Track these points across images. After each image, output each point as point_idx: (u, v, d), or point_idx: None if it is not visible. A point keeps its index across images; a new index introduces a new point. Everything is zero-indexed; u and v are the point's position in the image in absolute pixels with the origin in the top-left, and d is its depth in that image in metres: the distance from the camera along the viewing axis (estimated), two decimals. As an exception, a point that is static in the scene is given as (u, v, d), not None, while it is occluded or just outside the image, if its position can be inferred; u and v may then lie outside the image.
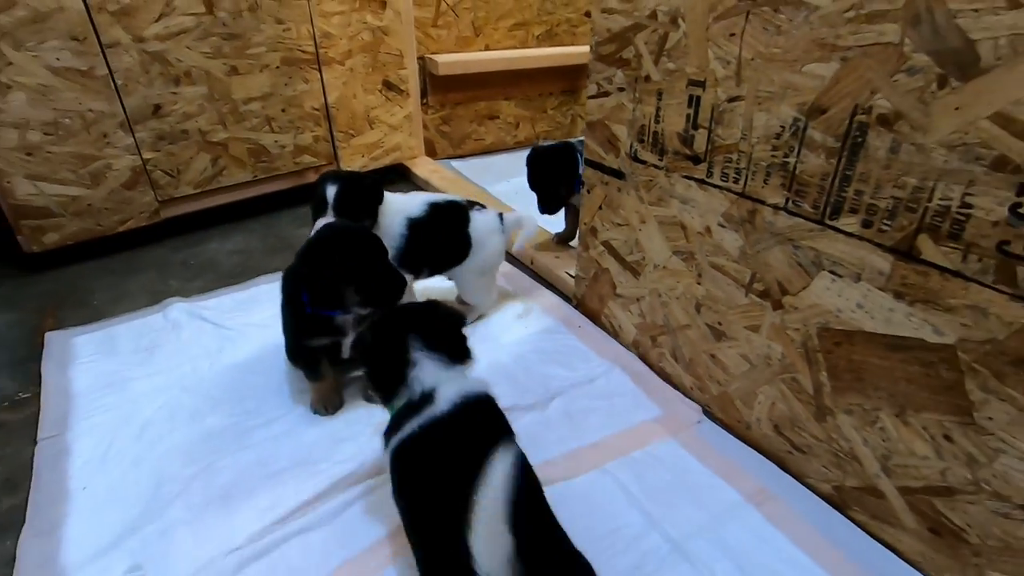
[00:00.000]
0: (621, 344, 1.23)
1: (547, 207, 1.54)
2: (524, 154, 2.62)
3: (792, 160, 0.78)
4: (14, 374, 1.19)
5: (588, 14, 2.61)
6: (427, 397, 0.72)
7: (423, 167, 2.27)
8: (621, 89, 1.04)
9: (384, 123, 2.11)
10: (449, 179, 2.19)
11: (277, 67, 1.78)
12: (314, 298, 0.95)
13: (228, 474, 0.93)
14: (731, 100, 0.84)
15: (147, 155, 1.64)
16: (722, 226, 0.91)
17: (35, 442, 1.01)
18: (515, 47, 2.51)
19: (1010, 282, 0.60)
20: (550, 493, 0.71)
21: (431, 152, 2.44)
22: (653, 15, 0.93)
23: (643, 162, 1.04)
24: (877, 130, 0.67)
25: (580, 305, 1.37)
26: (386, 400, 0.78)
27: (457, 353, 0.77)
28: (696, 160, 0.93)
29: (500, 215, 1.28)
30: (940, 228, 0.64)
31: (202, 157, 1.74)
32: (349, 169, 2.03)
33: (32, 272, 1.57)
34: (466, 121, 2.52)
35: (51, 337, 1.28)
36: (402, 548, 0.79)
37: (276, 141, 1.86)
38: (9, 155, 1.44)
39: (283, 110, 1.84)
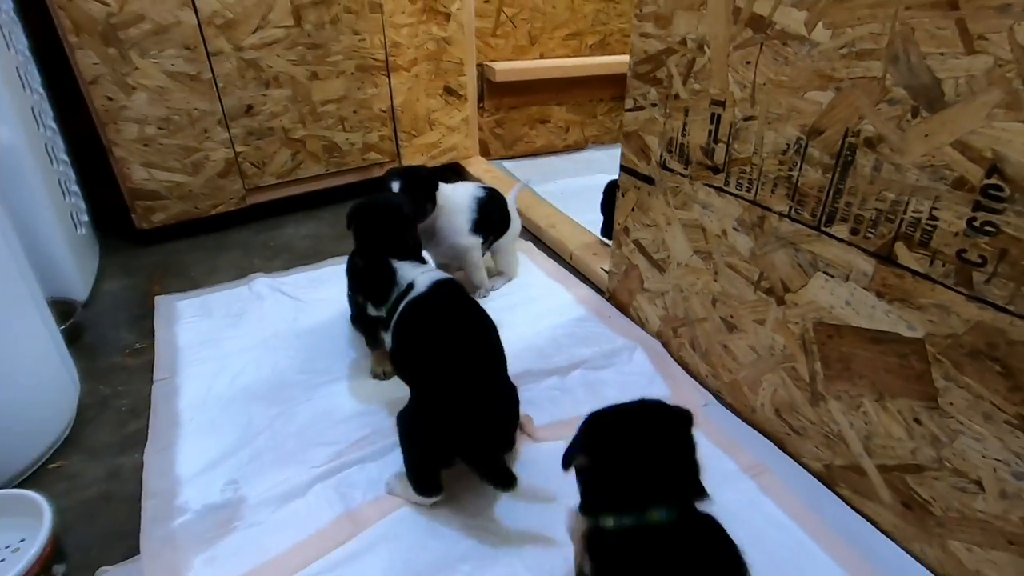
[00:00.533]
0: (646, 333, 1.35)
1: (609, 233, 1.69)
2: (572, 157, 2.77)
3: (795, 174, 0.89)
4: (131, 328, 1.44)
5: (641, 24, 2.72)
6: (410, 286, 1.03)
7: (477, 166, 2.44)
8: (654, 105, 1.17)
9: (443, 125, 2.29)
10: (499, 178, 2.35)
11: (352, 73, 1.99)
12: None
13: (302, 417, 1.12)
14: (746, 119, 0.96)
15: (239, 148, 1.88)
16: (736, 229, 1.03)
17: (151, 382, 1.23)
18: (569, 55, 2.64)
19: (967, 284, 0.70)
20: (562, 446, 0.86)
21: (485, 152, 2.62)
22: (683, 41, 1.05)
23: (671, 170, 1.16)
24: (863, 150, 0.78)
25: (612, 298, 1.50)
26: (378, 303, 1.06)
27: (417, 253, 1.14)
28: (715, 170, 1.05)
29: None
30: (913, 237, 0.75)
31: (283, 152, 1.98)
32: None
33: (142, 246, 1.84)
34: (519, 124, 2.68)
35: (159, 300, 1.53)
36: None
37: (347, 139, 2.08)
38: (130, 145, 1.70)
39: (354, 111, 2.05)
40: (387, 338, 1.07)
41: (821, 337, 0.91)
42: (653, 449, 0.66)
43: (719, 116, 1.01)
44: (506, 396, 0.96)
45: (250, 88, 1.83)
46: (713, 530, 0.64)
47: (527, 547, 0.87)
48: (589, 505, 0.66)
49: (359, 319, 1.26)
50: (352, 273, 1.14)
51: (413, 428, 0.90)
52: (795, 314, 0.95)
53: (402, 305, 1.02)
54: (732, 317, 1.09)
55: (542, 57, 2.60)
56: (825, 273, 0.88)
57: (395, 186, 1.32)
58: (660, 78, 1.13)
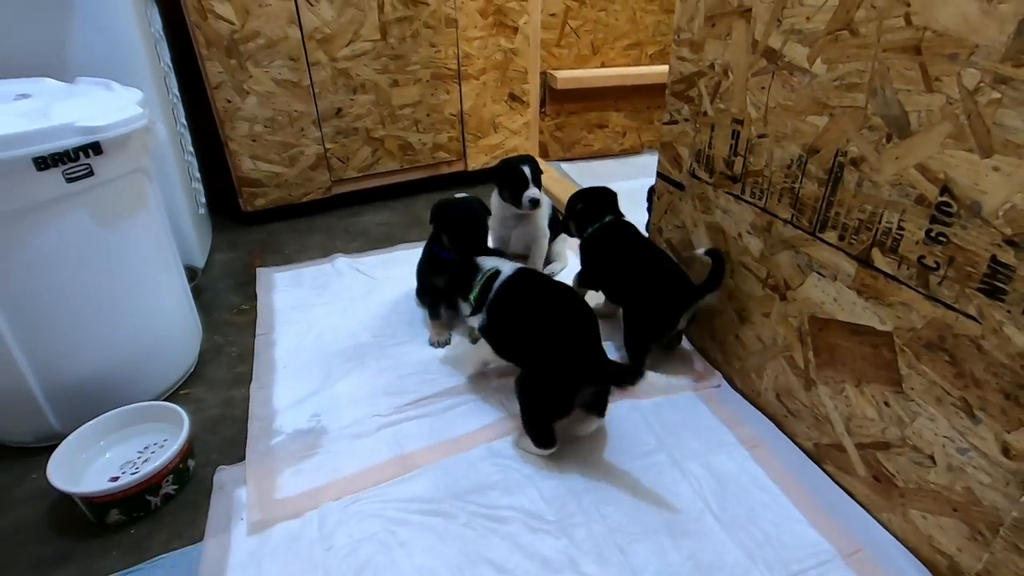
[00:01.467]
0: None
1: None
2: (628, 160, 2.92)
3: (797, 186, 1.03)
4: (238, 292, 1.74)
5: (701, 35, 2.81)
6: (496, 273, 1.22)
7: (535, 167, 2.63)
8: (686, 120, 1.32)
9: (506, 128, 2.50)
10: (555, 179, 2.53)
11: (427, 81, 2.24)
12: (435, 240, 1.42)
13: (372, 370, 1.36)
14: (759, 136, 1.10)
15: (328, 145, 2.17)
16: (749, 233, 1.17)
17: (254, 336, 1.52)
18: (629, 64, 2.78)
19: (925, 285, 0.82)
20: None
21: (544, 154, 2.81)
22: (712, 66, 1.20)
23: (698, 178, 1.31)
24: (849, 168, 0.91)
25: (645, 291, 1.65)
26: (466, 295, 1.25)
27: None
28: (734, 180, 1.19)
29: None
30: (885, 244, 0.87)
31: (365, 149, 2.25)
32: (475, 166, 2.47)
33: (246, 226, 2.17)
34: (578, 128, 2.85)
35: (260, 272, 1.83)
36: (487, 438, 1.16)
37: (420, 139, 2.33)
38: (241, 140, 2.02)
39: (428, 115, 2.30)
40: (476, 321, 1.24)
41: (813, 329, 1.04)
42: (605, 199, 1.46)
43: (738, 133, 1.15)
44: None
45: (340, 93, 2.11)
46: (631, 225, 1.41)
47: (546, 481, 1.06)
48: (580, 225, 1.49)
49: (423, 289, 1.51)
50: (446, 274, 1.38)
51: (531, 390, 1.08)
52: (794, 309, 1.08)
53: (493, 291, 1.19)
54: (743, 311, 1.23)
55: (603, 66, 2.75)
56: (818, 273, 1.01)
57: (526, 170, 1.59)
58: (692, 96, 1.28)
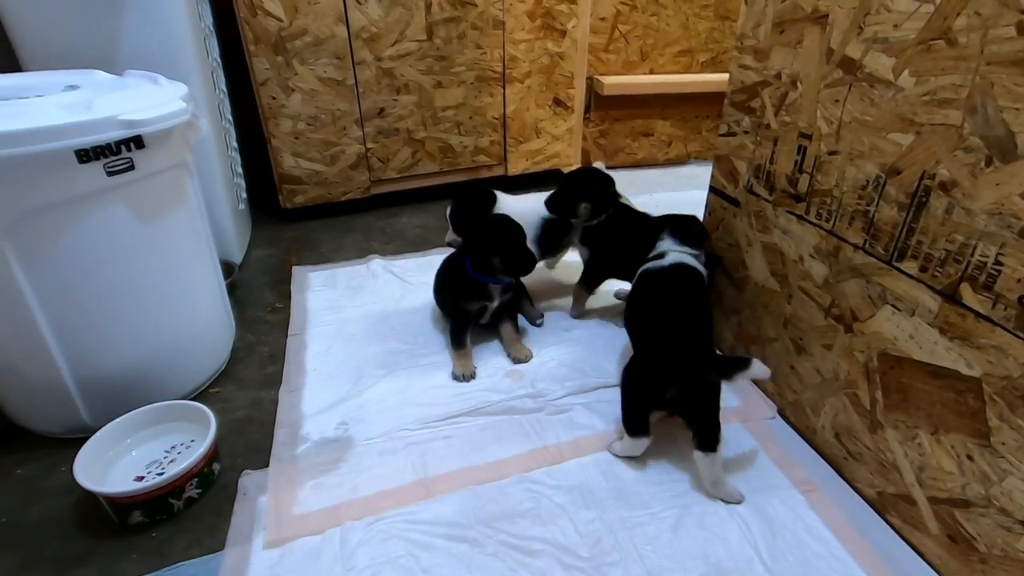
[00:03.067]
0: (718, 349, 1.42)
1: None
2: (673, 171, 2.82)
3: (872, 209, 0.94)
4: (273, 290, 1.73)
5: (757, 43, 2.70)
6: (661, 255, 1.26)
7: (576, 174, 2.57)
8: (746, 132, 1.23)
9: (548, 133, 2.44)
10: (597, 187, 2.46)
11: (471, 83, 2.20)
12: (475, 265, 1.31)
13: (402, 381, 1.32)
14: (830, 153, 1.01)
15: (369, 145, 2.16)
16: (812, 256, 1.08)
17: (286, 336, 1.50)
18: (679, 72, 2.69)
19: (1025, 330, 0.73)
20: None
21: (586, 161, 2.74)
22: (778, 75, 1.12)
23: (756, 195, 1.22)
24: (937, 193, 0.82)
25: (689, 310, 1.57)
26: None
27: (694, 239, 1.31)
28: (798, 199, 1.10)
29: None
30: (978, 279, 0.78)
31: (405, 150, 2.23)
32: (515, 171, 2.42)
33: (284, 222, 2.17)
34: (622, 136, 2.77)
35: (296, 270, 1.82)
36: (519, 469, 1.09)
37: (461, 142, 2.29)
38: (284, 137, 2.02)
39: (470, 117, 2.26)
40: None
41: (883, 367, 0.95)
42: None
43: (805, 148, 1.07)
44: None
45: (384, 93, 2.09)
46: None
47: (580, 512, 0.99)
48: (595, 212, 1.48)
49: (451, 316, 1.43)
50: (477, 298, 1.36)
51: (631, 376, 1.09)
52: (861, 342, 0.99)
53: (651, 265, 1.26)
54: (801, 340, 1.14)
55: (651, 73, 2.67)
56: (892, 306, 0.92)
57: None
58: (754, 108, 1.20)
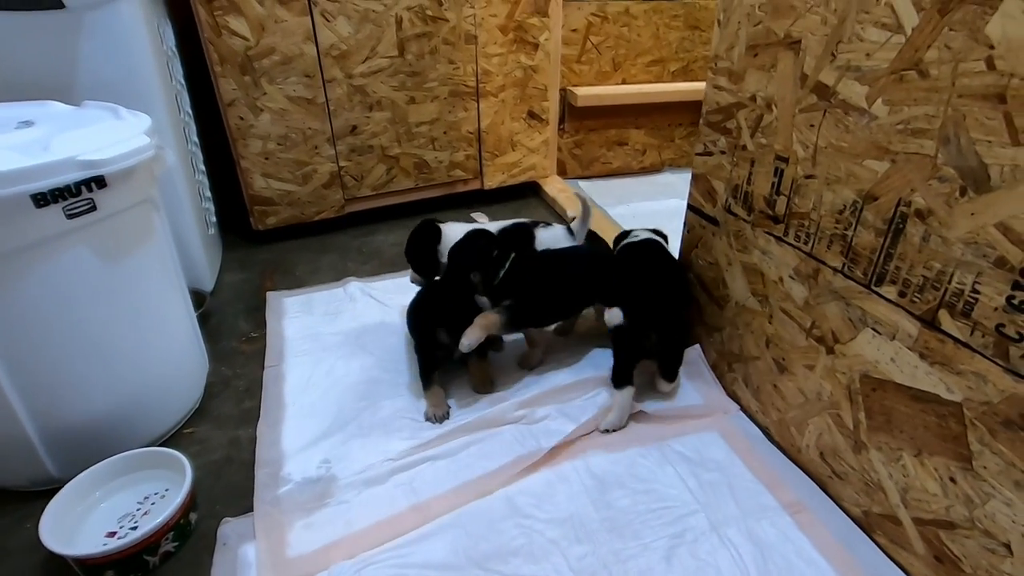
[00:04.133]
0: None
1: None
2: (648, 179, 2.84)
3: (850, 233, 0.95)
4: (247, 318, 1.68)
5: (726, 52, 2.73)
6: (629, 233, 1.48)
7: (553, 185, 2.57)
8: (723, 152, 1.24)
9: (524, 146, 2.43)
10: (574, 199, 2.46)
11: (445, 98, 2.18)
12: (454, 287, 1.31)
13: (386, 411, 1.29)
14: (807, 177, 1.02)
15: (342, 163, 2.11)
16: (792, 278, 1.09)
17: (263, 368, 1.45)
18: (651, 81, 2.71)
19: (1004, 357, 0.74)
20: (623, 457, 0.97)
21: (562, 172, 2.74)
22: (753, 98, 1.12)
23: (734, 215, 1.23)
24: (914, 220, 0.83)
25: (671, 326, 1.57)
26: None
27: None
28: (776, 220, 1.11)
29: (567, 227, 1.54)
30: (956, 306, 0.79)
31: (380, 167, 2.19)
32: (491, 185, 2.40)
33: (256, 244, 2.11)
34: (597, 146, 2.78)
35: (271, 296, 1.77)
36: (506, 479, 1.09)
37: (436, 157, 2.27)
38: (253, 158, 1.97)
39: (444, 132, 2.24)
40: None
41: (866, 389, 0.96)
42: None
43: (782, 171, 1.08)
44: None
45: (356, 111, 2.06)
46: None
47: (573, 547, 0.98)
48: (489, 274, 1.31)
49: (423, 349, 1.35)
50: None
51: (624, 333, 1.23)
52: (843, 364, 1.00)
53: (625, 241, 1.47)
54: (783, 359, 1.15)
55: (624, 83, 2.68)
56: (873, 329, 0.93)
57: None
58: (730, 128, 1.21)
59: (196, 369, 1.34)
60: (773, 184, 1.11)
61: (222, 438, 1.24)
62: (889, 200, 0.87)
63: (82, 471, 1.02)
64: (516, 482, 1.10)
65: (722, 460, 1.16)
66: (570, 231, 1.51)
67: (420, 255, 1.47)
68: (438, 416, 1.27)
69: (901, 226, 0.85)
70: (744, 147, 1.17)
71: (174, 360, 1.24)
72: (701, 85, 2.74)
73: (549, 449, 1.14)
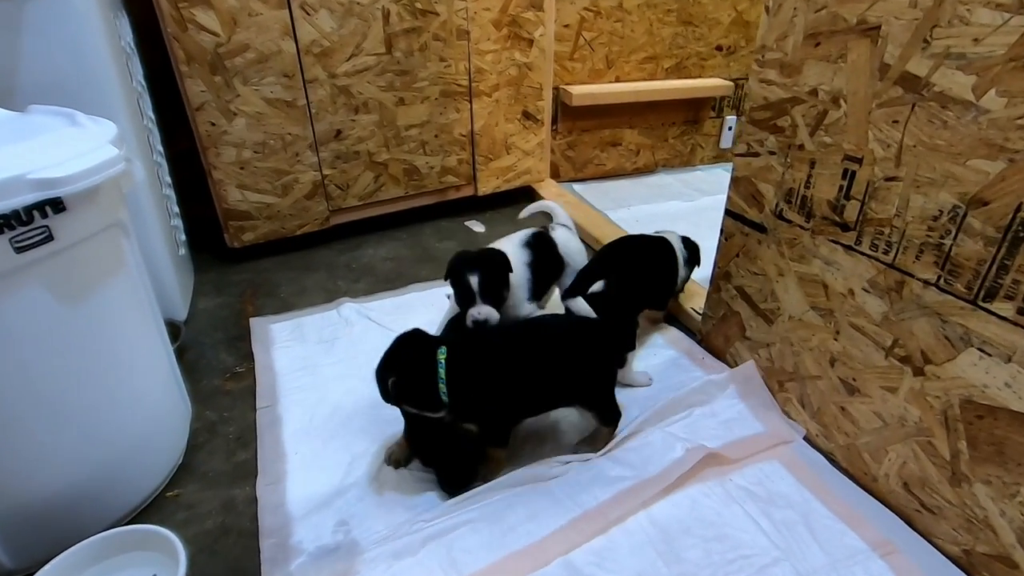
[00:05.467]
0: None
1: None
2: (642, 180, 2.74)
3: (947, 242, 0.84)
4: (229, 350, 1.48)
5: (720, 48, 2.66)
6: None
7: (548, 189, 2.43)
8: (772, 152, 1.13)
9: (519, 149, 2.29)
10: (572, 203, 2.34)
11: (436, 99, 2.01)
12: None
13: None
14: (887, 179, 0.91)
15: (326, 172, 1.93)
16: (867, 291, 0.98)
17: (254, 409, 1.26)
18: (644, 79, 2.61)
19: None
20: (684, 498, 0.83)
21: (555, 175, 2.60)
22: (813, 92, 1.01)
23: (788, 221, 1.12)
24: (1041, 228, 0.73)
25: (704, 341, 1.46)
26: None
27: None
28: (845, 227, 1.00)
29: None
30: (1100, 326, 0.69)
31: (367, 175, 2.01)
32: (485, 191, 2.25)
33: (233, 263, 1.90)
34: (590, 147, 2.66)
35: (254, 322, 1.57)
36: (563, 548, 0.94)
37: (427, 163, 2.10)
38: (227, 168, 1.76)
39: (436, 136, 2.08)
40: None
41: (969, 416, 0.85)
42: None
43: (853, 173, 0.97)
44: None
45: (340, 114, 1.87)
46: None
47: (648, 618, 0.84)
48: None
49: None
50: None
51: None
52: (937, 387, 0.89)
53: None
54: (854, 380, 1.04)
55: (617, 80, 2.57)
56: (980, 350, 0.82)
57: (473, 281, 1.17)
58: (782, 127, 1.09)
59: (178, 417, 1.15)
60: (841, 187, 1.00)
61: (214, 501, 1.05)
62: (1005, 205, 0.76)
63: (46, 560, 0.83)
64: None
65: (791, 494, 1.04)
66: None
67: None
68: (394, 458, 1.09)
69: (1021, 234, 0.75)
70: (801, 147, 1.06)
71: (152, 411, 1.05)
72: (695, 83, 2.69)
73: (608, 501, 1.00)
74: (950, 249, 0.84)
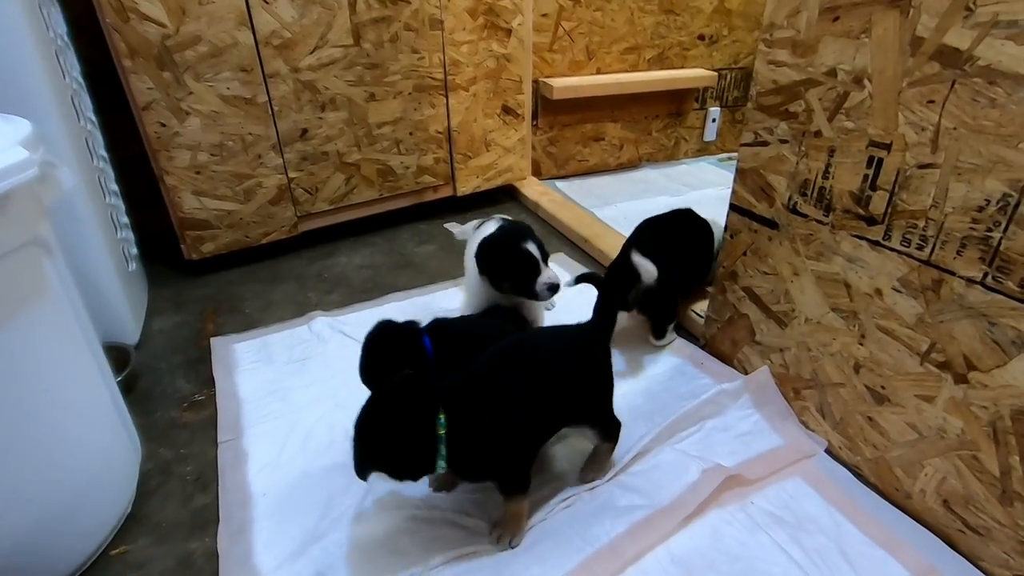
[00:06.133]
0: (756, 391, 1.21)
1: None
2: (626, 176, 2.64)
3: (995, 235, 0.75)
4: (188, 375, 1.33)
5: (702, 37, 2.58)
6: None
7: (531, 188, 2.32)
8: (783, 141, 1.03)
9: (499, 145, 2.17)
10: (557, 201, 2.23)
11: (409, 93, 1.88)
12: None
13: (390, 496, 0.99)
14: (921, 167, 0.82)
15: (292, 174, 1.78)
16: (898, 291, 0.89)
17: (215, 443, 1.12)
18: (626, 71, 2.51)
19: None
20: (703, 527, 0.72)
21: (536, 172, 2.49)
22: (831, 73, 0.92)
23: (803, 215, 1.02)
24: (1115, 218, 0.64)
25: (708, 345, 1.36)
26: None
27: None
28: (871, 221, 0.91)
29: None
30: None
31: (337, 176, 1.87)
32: (465, 191, 2.12)
33: (192, 277, 1.74)
34: (572, 142, 2.55)
35: (216, 343, 1.42)
36: None
37: (402, 162, 1.97)
38: (181, 173, 1.61)
39: (410, 133, 1.94)
40: None
41: (1022, 428, 0.77)
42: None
43: (881, 160, 0.87)
44: None
45: (306, 111, 1.73)
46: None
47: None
48: None
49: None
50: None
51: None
52: (983, 396, 0.80)
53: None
54: (883, 388, 0.95)
55: (599, 72, 2.47)
56: (1036, 355, 0.73)
57: (533, 249, 1.15)
58: (794, 112, 1.00)
59: (124, 460, 1.00)
60: (866, 177, 0.90)
61: (168, 557, 0.91)
62: (1068, 192, 0.67)
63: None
64: (583, 583, 0.84)
65: (820, 516, 0.94)
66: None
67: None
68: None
69: (1089, 225, 0.66)
70: (818, 133, 0.96)
71: (91, 457, 0.90)
72: (678, 73, 2.60)
73: (622, 534, 0.89)
74: (999, 243, 0.75)
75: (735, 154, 2.95)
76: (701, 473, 0.97)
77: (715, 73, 2.61)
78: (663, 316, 1.35)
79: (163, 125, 1.53)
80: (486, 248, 1.18)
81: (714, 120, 2.80)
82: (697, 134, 2.83)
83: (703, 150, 2.88)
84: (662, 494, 0.95)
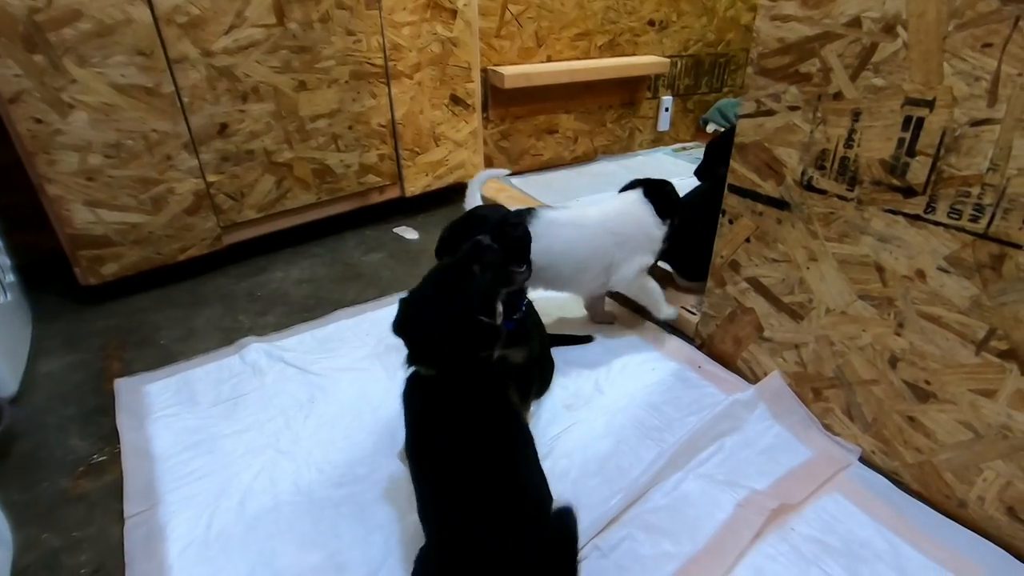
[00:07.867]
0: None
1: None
2: (583, 169, 2.51)
3: (1076, 198, 0.63)
4: (84, 431, 1.06)
5: (652, 23, 2.49)
6: None
7: (487, 185, 2.13)
8: (793, 108, 0.90)
9: (449, 140, 1.98)
10: (517, 199, 2.06)
11: (346, 82, 1.66)
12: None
13: (359, 569, 0.78)
14: (974, 124, 0.70)
15: (211, 178, 1.52)
16: (944, 271, 0.77)
17: (121, 520, 0.87)
18: (577, 58, 2.38)
19: None
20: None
21: (489, 168, 2.31)
22: (855, 23, 0.79)
23: (821, 191, 0.90)
24: None
25: (705, 346, 1.22)
26: None
27: None
28: (908, 192, 0.78)
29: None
30: None
31: (266, 179, 1.62)
32: (414, 191, 1.92)
33: (90, 306, 1.44)
34: (525, 136, 2.39)
35: (121, 385, 1.15)
36: None
37: (341, 161, 1.74)
38: (68, 180, 1.32)
39: (350, 127, 1.72)
40: None
41: (1114, 422, 0.66)
42: None
43: (921, 120, 0.75)
44: None
45: (223, 103, 1.47)
46: None
47: None
48: None
49: None
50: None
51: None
52: (1060, 388, 0.69)
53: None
54: (928, 383, 0.83)
55: (549, 60, 2.32)
56: None
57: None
58: (807, 73, 0.87)
59: (-15, 561, 0.74)
60: (901, 141, 0.78)
61: None
62: None
63: None
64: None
65: (872, 539, 0.81)
66: None
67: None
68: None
69: None
70: (838, 95, 0.84)
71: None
72: (631, 60, 2.48)
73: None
74: (1080, 207, 0.63)
75: (689, 144, 2.93)
76: (736, 507, 0.82)
77: (668, 60, 2.52)
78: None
79: (39, 121, 1.24)
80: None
81: (667, 109, 2.72)
82: (651, 124, 2.74)
83: (657, 140, 2.80)
84: (696, 536, 0.79)
